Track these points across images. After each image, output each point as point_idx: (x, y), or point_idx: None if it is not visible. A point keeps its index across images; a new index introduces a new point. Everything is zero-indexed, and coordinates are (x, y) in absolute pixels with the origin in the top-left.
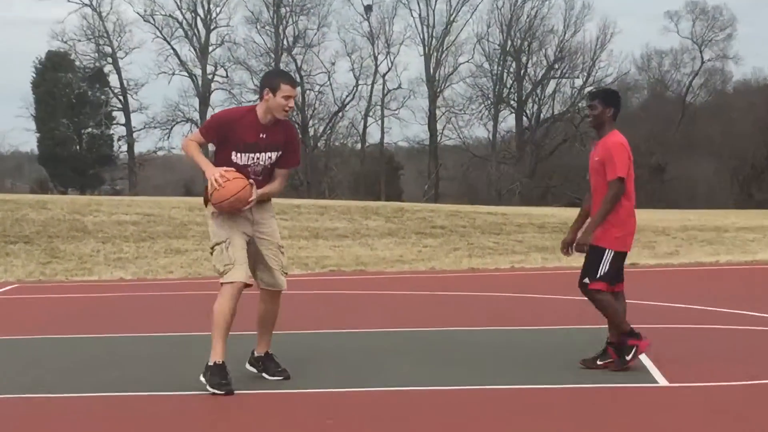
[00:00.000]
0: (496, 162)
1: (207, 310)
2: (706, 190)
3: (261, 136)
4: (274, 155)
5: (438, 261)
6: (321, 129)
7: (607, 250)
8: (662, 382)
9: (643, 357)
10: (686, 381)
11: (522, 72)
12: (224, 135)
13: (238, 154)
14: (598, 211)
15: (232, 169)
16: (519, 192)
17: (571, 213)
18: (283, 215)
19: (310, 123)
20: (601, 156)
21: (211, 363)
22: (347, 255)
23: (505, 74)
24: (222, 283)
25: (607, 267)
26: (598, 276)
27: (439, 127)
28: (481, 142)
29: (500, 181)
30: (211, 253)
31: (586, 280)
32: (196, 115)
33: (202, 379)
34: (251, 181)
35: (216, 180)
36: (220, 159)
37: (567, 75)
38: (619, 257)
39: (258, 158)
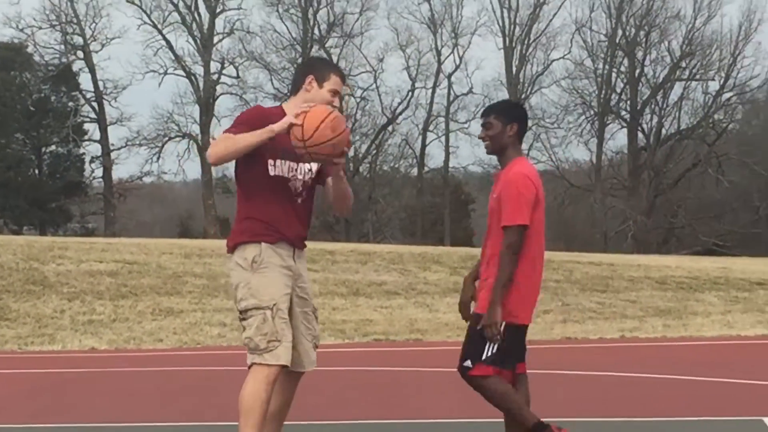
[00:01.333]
0: (601, 194)
1: (211, 392)
2: None
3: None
4: (313, 166)
5: None
6: (364, 148)
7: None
8: None
9: None
10: None
11: (637, 72)
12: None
13: (277, 163)
14: (498, 273)
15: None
16: (632, 235)
17: (704, 264)
18: (312, 264)
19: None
20: (500, 192)
21: None
22: (398, 319)
23: (613, 75)
24: (256, 364)
25: (494, 346)
26: (483, 358)
27: (523, 146)
28: (582, 167)
29: (607, 219)
30: (244, 320)
31: (468, 363)
32: (195, 129)
33: None
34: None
35: (298, 113)
36: (251, 176)
37: (698, 77)
38: (515, 331)
39: (296, 170)
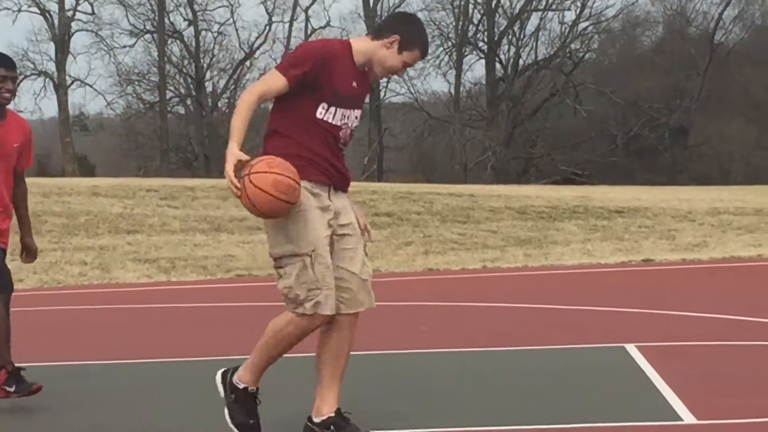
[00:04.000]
0: (459, 125)
1: (74, 332)
2: (744, 161)
3: (353, 85)
4: (359, 115)
5: (383, 260)
6: (222, 83)
7: None
8: (688, 418)
9: (662, 385)
10: (719, 416)
11: (494, 3)
12: (317, 76)
13: (329, 110)
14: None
15: (268, 158)
16: (492, 165)
17: (563, 193)
18: (172, 201)
19: (207, 75)
20: (22, 141)
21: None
22: (260, 254)
23: (470, 6)
24: (297, 313)
25: None
26: None
27: (382, 80)
28: (440, 99)
29: (466, 150)
30: (279, 267)
31: None
32: (51, 66)
33: (229, 420)
34: (298, 183)
35: (232, 182)
36: (297, 116)
37: (554, 7)
38: None
39: (347, 118)
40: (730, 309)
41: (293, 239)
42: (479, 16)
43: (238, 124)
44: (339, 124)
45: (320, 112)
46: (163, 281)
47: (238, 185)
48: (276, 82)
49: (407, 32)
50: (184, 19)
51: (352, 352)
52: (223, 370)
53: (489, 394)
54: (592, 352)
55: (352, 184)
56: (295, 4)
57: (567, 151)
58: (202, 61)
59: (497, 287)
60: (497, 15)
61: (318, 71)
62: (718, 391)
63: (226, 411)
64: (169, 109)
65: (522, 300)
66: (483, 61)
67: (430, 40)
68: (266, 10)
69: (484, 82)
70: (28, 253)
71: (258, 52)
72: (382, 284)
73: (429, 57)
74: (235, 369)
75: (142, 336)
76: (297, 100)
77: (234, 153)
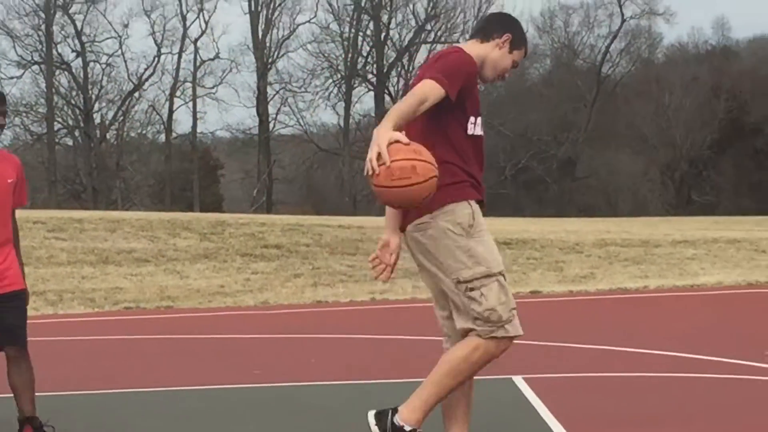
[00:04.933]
0: (349, 157)
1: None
2: (630, 193)
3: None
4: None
5: (272, 292)
6: (110, 115)
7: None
8: None
9: (548, 417)
10: None
11: (383, 35)
12: (464, 93)
13: (476, 122)
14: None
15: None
16: None
17: None
18: (60, 233)
19: (96, 107)
20: (16, 177)
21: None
22: (148, 286)
23: (360, 38)
24: (496, 338)
25: None
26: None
27: (271, 110)
28: (329, 131)
29: (355, 182)
30: (472, 290)
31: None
32: None
33: None
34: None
35: (377, 156)
36: (448, 136)
37: (443, 39)
38: None
39: (480, 126)
40: (617, 341)
41: (482, 260)
42: (368, 49)
43: (403, 108)
44: (482, 133)
45: (471, 128)
46: (50, 314)
47: (376, 168)
48: (433, 91)
49: (517, 30)
50: (72, 51)
51: (235, 385)
52: (375, 412)
53: (357, 426)
54: (479, 384)
55: (240, 216)
56: (184, 35)
57: None
58: (90, 92)
59: (386, 319)
60: (386, 47)
61: (466, 87)
62: (604, 423)
63: None
64: (57, 140)
65: (410, 332)
66: (372, 93)
67: (319, 72)
68: (155, 41)
69: (373, 114)
70: None
71: (147, 84)
72: (270, 316)
73: (318, 89)
74: (393, 410)
75: None
76: (446, 119)
77: (388, 134)
